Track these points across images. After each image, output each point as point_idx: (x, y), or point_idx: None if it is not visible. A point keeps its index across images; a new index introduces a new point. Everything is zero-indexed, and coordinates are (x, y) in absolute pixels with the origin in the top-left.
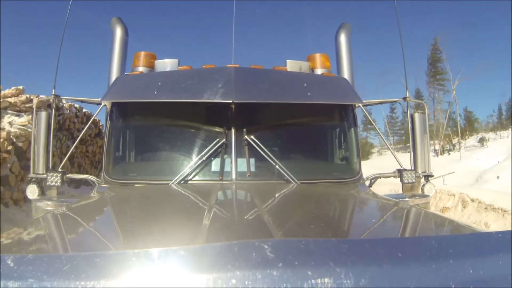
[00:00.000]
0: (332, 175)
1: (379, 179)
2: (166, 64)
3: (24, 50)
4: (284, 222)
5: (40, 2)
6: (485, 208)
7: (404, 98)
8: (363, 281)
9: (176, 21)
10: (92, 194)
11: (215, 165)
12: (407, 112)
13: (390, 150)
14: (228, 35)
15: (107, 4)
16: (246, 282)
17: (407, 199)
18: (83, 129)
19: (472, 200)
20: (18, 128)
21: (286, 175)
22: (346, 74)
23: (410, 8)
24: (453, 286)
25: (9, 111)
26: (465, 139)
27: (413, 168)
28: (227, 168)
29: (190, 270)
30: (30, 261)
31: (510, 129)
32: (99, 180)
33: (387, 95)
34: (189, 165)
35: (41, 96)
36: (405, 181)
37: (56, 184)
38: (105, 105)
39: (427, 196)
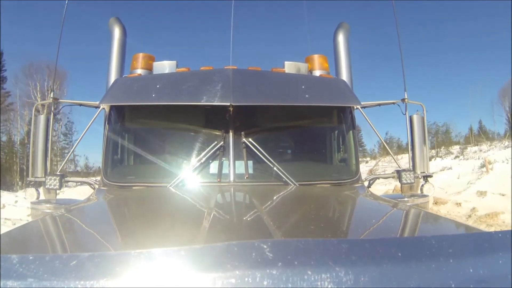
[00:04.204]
0: (331, 177)
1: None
2: (164, 66)
3: (22, 51)
4: (284, 223)
5: (36, 2)
6: None
7: (403, 100)
8: (363, 281)
9: (174, 22)
10: (90, 197)
11: (213, 167)
12: (405, 114)
13: (390, 153)
14: (226, 36)
15: (105, 4)
16: (246, 282)
17: (406, 199)
18: None
19: None
20: None
21: (284, 177)
22: (344, 75)
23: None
24: (453, 286)
25: None
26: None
27: (411, 169)
28: (225, 171)
29: (190, 270)
30: (31, 261)
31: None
32: (98, 183)
33: (387, 97)
34: (187, 167)
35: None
36: (404, 181)
37: (55, 187)
38: (104, 108)
39: (426, 196)
